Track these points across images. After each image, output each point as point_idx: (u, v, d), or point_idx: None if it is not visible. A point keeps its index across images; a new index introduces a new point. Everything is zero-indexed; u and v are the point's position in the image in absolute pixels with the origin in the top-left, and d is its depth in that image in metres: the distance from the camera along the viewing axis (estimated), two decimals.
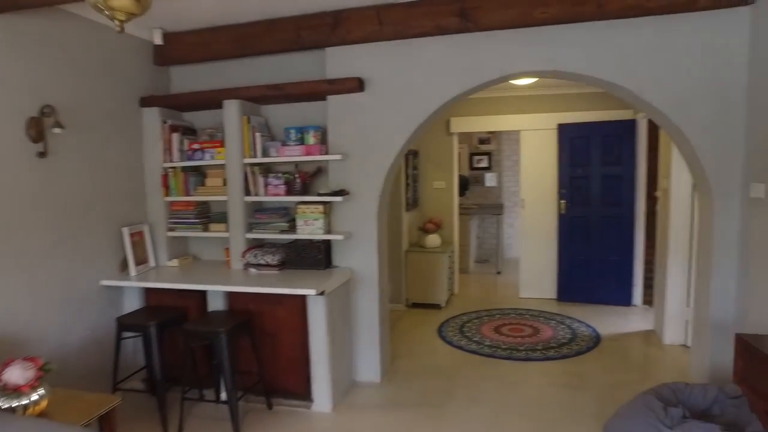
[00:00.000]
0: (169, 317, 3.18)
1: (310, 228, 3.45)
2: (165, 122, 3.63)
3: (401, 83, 3.36)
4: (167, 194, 3.67)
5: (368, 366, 3.63)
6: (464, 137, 7.76)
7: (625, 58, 3.01)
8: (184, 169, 3.68)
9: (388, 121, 3.41)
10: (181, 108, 3.79)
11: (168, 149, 3.64)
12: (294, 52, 3.53)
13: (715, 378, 3.02)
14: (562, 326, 4.73)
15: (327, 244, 3.54)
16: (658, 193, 4.50)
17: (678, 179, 4.02)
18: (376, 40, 3.32)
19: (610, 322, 4.81)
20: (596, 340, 4.35)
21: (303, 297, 3.14)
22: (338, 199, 3.38)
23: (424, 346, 4.37)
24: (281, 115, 3.73)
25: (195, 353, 3.19)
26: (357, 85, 3.36)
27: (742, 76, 2.85)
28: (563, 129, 5.36)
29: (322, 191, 3.46)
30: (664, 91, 2.98)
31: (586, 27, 3.02)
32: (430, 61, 3.30)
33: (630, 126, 5.11)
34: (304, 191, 3.54)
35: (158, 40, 3.57)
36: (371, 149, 3.45)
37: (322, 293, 3.05)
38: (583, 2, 2.92)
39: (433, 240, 5.65)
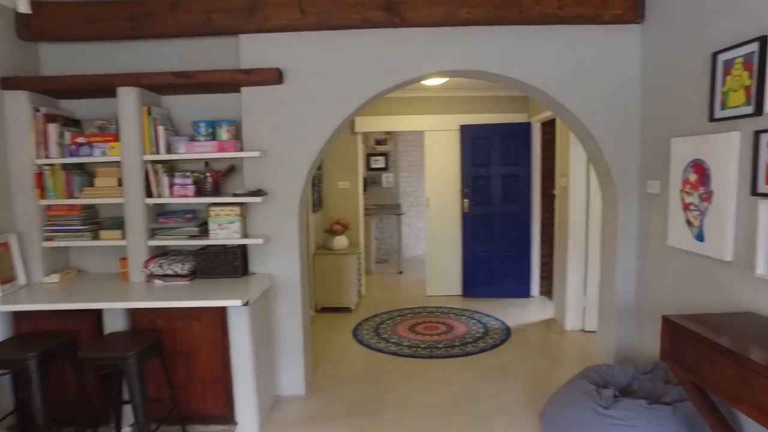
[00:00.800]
0: (53, 345, 2.62)
1: (225, 232, 3.12)
2: (38, 110, 3.01)
3: (324, 76, 3.19)
4: (43, 196, 3.05)
5: (292, 379, 3.38)
6: (362, 138, 7.73)
7: (541, 62, 3.17)
8: (66, 166, 3.10)
9: (309, 116, 3.21)
10: (57, 94, 3.18)
11: (43, 143, 3.03)
12: (203, 37, 3.16)
13: (620, 357, 3.31)
14: (473, 321, 4.89)
15: (243, 249, 3.24)
16: (556, 191, 4.87)
17: (575, 178, 4.38)
18: (297, 30, 3.11)
19: (515, 313, 5.09)
20: (507, 331, 4.56)
21: (223, 309, 2.82)
22: (257, 199, 3.10)
23: (343, 351, 4.22)
24: (186, 106, 3.32)
25: (87, 385, 2.69)
26: (276, 76, 3.10)
27: (636, 83, 3.17)
28: (465, 130, 5.57)
29: (238, 191, 3.15)
30: (574, 94, 3.19)
31: (507, 30, 3.12)
32: (355, 55, 3.18)
33: (525, 128, 5.48)
34: (216, 192, 3.19)
35: (24, 7, 2.96)
36: (291, 146, 3.23)
37: (246, 304, 2.76)
38: (505, 6, 3.01)
39: (340, 242, 5.52)
